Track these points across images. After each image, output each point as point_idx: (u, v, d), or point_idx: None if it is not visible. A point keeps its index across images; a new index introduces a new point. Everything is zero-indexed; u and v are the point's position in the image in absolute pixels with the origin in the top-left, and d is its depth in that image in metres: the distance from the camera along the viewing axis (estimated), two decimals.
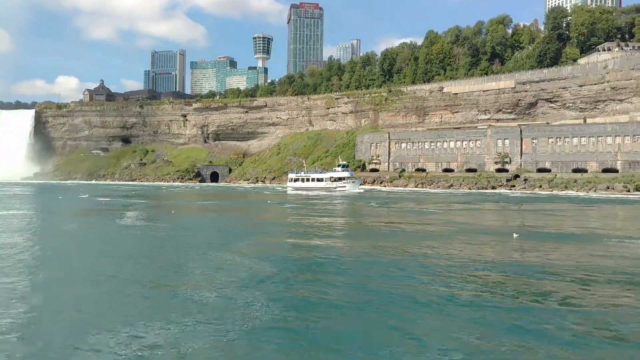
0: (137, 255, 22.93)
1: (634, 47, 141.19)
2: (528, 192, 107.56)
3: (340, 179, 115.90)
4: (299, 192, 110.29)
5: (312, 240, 28.30)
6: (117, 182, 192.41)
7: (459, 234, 30.98)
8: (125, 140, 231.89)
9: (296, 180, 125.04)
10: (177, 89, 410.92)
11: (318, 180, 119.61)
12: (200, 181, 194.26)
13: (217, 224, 38.24)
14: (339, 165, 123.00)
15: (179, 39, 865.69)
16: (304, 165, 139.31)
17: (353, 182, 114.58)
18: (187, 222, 39.59)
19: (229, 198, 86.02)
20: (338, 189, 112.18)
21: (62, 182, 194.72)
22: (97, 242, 27.87)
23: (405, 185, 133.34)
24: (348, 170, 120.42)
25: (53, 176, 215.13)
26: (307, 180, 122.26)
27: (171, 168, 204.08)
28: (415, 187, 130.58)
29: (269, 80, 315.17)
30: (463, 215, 50.43)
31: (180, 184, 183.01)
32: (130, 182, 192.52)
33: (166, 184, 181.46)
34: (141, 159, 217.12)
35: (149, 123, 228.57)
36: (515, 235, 28.78)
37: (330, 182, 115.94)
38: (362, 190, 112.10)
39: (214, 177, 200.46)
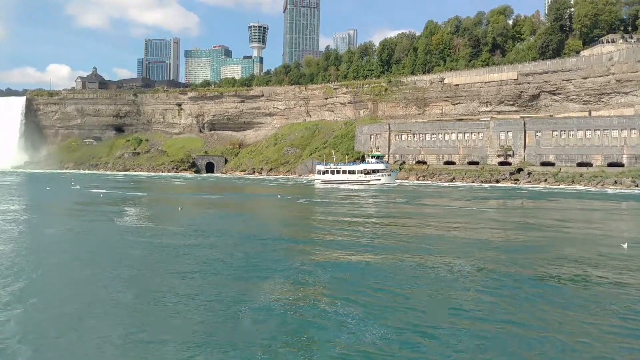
0: (146, 286, 15.44)
1: (638, 39, 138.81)
2: (544, 186, 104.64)
3: (374, 171, 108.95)
4: (329, 185, 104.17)
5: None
6: (110, 172, 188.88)
7: (563, 245, 25.02)
8: (119, 129, 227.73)
9: (325, 172, 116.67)
10: (171, 78, 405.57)
11: (350, 172, 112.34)
12: (195, 172, 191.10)
13: (235, 229, 29.24)
14: (372, 157, 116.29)
15: (172, 28, 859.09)
16: (333, 156, 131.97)
17: (389, 175, 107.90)
18: (201, 225, 30.17)
19: (234, 190, 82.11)
20: (372, 182, 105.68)
21: (54, 171, 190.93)
22: (90, 260, 19.44)
23: (406, 178, 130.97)
24: (383, 162, 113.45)
25: (44, 165, 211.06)
26: (338, 172, 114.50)
27: (166, 158, 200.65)
28: (417, 179, 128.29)
29: (264, 70, 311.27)
30: (536, 216, 43.42)
31: (175, 174, 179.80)
32: (124, 172, 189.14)
33: (162, 174, 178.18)
34: (135, 149, 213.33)
35: (143, 112, 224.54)
36: (624, 245, 23.44)
37: (363, 175, 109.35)
38: (396, 184, 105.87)
39: (210, 167, 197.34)
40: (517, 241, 26.16)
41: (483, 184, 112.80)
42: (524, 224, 34.86)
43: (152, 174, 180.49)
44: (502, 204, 58.06)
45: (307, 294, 14.43)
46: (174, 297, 13.97)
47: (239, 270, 17.56)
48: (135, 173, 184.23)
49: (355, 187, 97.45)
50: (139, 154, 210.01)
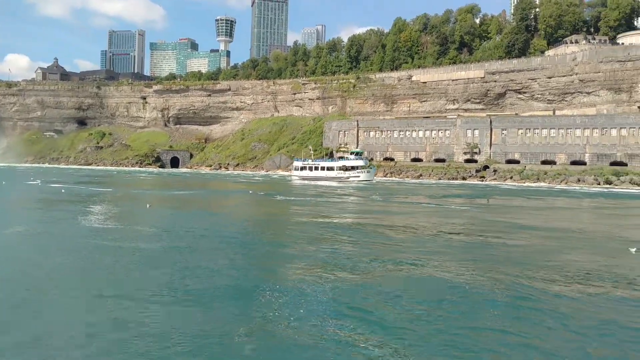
0: (118, 307, 12.68)
1: (600, 40, 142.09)
2: (513, 183, 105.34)
3: (353, 167, 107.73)
4: (306, 181, 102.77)
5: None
6: (72, 166, 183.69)
7: (569, 251, 23.39)
8: (81, 122, 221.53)
9: (303, 168, 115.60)
10: (136, 71, 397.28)
11: (328, 169, 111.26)
12: (160, 166, 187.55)
13: (210, 230, 26.70)
14: (351, 153, 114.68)
15: (136, 20, 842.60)
16: (311, 152, 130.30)
17: (368, 172, 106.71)
18: (173, 225, 28.27)
19: (203, 186, 79.73)
20: (351, 178, 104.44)
21: (12, 165, 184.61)
22: (50, 271, 16.81)
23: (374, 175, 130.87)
24: (362, 158, 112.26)
25: (2, 159, 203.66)
26: (316, 168, 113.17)
27: (129, 152, 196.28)
28: (384, 176, 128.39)
29: (231, 64, 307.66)
30: (531, 215, 43.13)
31: (139, 169, 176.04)
32: (86, 167, 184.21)
33: (125, 168, 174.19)
34: (98, 142, 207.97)
35: (107, 105, 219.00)
36: (633, 250, 21.96)
37: (342, 172, 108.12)
38: (375, 181, 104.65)
39: (175, 162, 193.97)
40: (520, 247, 24.24)
41: (451, 181, 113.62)
42: (520, 226, 33.04)
43: (116, 168, 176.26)
44: (485, 203, 57.34)
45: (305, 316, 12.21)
46: (153, 326, 11.37)
47: (222, 281, 15.47)
48: (98, 167, 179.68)
49: (334, 183, 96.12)
50: (102, 147, 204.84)
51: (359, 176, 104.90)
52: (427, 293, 14.57)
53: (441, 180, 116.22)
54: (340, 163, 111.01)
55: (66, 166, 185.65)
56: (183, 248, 20.85)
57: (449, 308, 13.10)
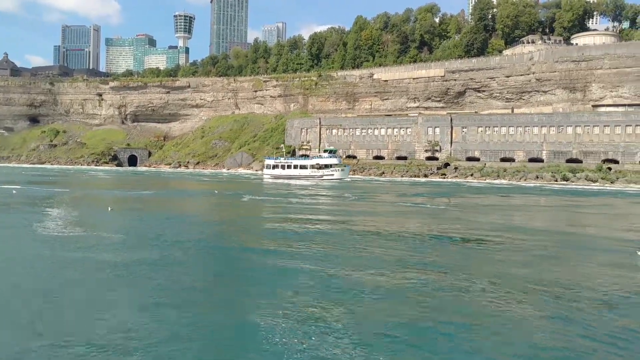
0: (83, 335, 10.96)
1: (555, 40, 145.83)
2: (483, 181, 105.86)
3: (327, 166, 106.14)
4: (279, 180, 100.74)
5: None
6: (23, 165, 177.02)
7: (571, 253, 23.12)
8: (33, 119, 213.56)
9: (275, 167, 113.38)
10: (91, 67, 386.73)
11: (302, 167, 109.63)
12: (117, 165, 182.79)
13: (180, 235, 24.89)
14: (325, 151, 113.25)
15: (90, 14, 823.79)
16: (283, 150, 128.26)
17: (342, 170, 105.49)
18: (138, 231, 26.60)
19: (165, 186, 76.63)
20: (325, 177, 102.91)
21: None
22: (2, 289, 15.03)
23: None
24: (336, 157, 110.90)
25: None
26: (289, 167, 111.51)
27: (85, 150, 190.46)
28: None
29: (190, 61, 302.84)
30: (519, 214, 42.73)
31: (95, 167, 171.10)
32: (39, 165, 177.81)
33: (81, 167, 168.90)
34: (51, 140, 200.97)
35: (61, 102, 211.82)
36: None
37: (315, 170, 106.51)
38: (349, 179, 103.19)
39: (132, 160, 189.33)
40: (523, 249, 23.20)
41: (416, 179, 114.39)
42: (511, 227, 32.18)
43: (71, 167, 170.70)
44: (461, 201, 57.40)
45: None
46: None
47: (202, 298, 14.31)
48: (52, 166, 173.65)
49: (308, 182, 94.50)
50: (55, 146, 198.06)
51: (333, 174, 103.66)
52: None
53: (405, 178, 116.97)
54: (314, 161, 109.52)
55: (18, 165, 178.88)
56: (154, 260, 18.75)
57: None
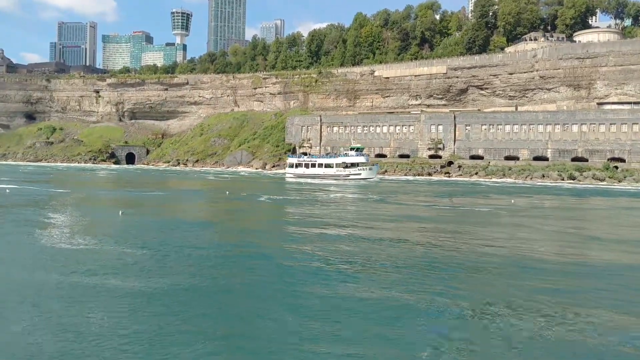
0: None
1: (558, 37, 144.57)
2: (494, 179, 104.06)
3: (353, 164, 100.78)
4: (302, 179, 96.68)
5: None
6: (20, 163, 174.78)
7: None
8: (30, 116, 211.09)
9: (298, 165, 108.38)
10: (88, 64, 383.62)
11: (327, 166, 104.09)
12: (114, 162, 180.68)
13: (220, 251, 21.00)
14: (351, 149, 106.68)
15: (87, 12, 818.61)
16: (309, 148, 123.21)
17: (370, 169, 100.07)
18: (164, 244, 21.59)
19: (172, 185, 73.00)
20: (352, 176, 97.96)
21: None
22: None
23: None
24: (363, 155, 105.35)
25: None
26: (313, 165, 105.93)
27: (82, 148, 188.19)
28: None
29: (188, 58, 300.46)
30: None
31: (93, 165, 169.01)
32: (36, 163, 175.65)
33: (79, 165, 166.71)
34: (48, 138, 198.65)
35: (57, 98, 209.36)
36: None
37: (341, 169, 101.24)
38: (379, 179, 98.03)
39: (130, 158, 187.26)
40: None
41: (419, 177, 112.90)
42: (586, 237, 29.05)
43: (68, 164, 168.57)
44: (497, 202, 55.27)
45: None
46: None
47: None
48: (49, 164, 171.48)
49: (332, 182, 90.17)
50: (52, 143, 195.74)
51: (360, 174, 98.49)
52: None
53: (409, 177, 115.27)
54: (340, 160, 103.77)
55: (14, 162, 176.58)
56: (194, 286, 14.83)
57: None
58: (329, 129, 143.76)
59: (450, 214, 41.60)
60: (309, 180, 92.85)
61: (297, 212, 39.95)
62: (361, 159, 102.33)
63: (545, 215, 41.61)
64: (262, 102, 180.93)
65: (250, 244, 23.03)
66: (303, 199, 51.60)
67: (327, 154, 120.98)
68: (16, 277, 15.76)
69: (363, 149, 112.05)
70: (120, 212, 32.60)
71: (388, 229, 29.92)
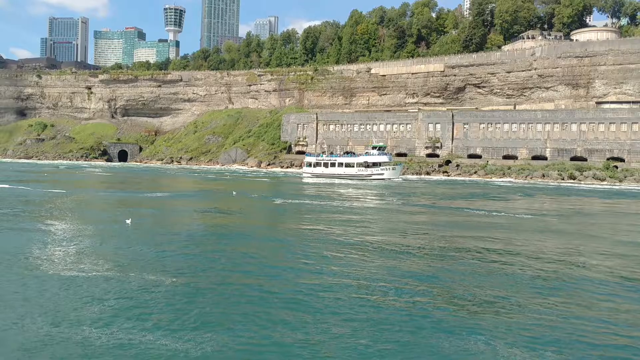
0: None
1: (555, 36, 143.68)
2: (494, 179, 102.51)
3: (375, 164, 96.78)
4: (320, 179, 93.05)
5: None
6: (10, 160, 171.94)
7: None
8: (20, 112, 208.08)
9: (316, 165, 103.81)
10: (79, 60, 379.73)
11: (347, 165, 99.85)
12: (107, 160, 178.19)
13: (248, 263, 19.34)
14: (373, 147, 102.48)
15: (78, 7, 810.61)
16: (325, 146, 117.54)
17: (393, 169, 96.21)
18: (190, 261, 19.28)
19: (174, 185, 70.31)
20: (374, 176, 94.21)
21: None
22: None
23: None
24: (386, 154, 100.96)
25: None
26: (332, 165, 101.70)
27: (74, 145, 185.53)
28: None
29: (181, 55, 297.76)
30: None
31: (84, 162, 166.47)
32: (26, 160, 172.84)
33: (70, 162, 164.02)
34: (39, 134, 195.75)
35: (48, 95, 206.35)
36: None
37: (363, 168, 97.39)
38: (401, 180, 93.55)
39: (123, 156, 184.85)
40: None
41: (420, 177, 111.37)
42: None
43: (60, 162, 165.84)
44: (531, 203, 53.14)
45: None
46: None
47: None
48: (40, 161, 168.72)
49: (353, 182, 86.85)
50: (43, 140, 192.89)
51: (382, 174, 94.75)
52: None
53: (409, 176, 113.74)
54: (362, 159, 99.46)
55: (3, 159, 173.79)
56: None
57: None
58: (325, 126, 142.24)
59: (503, 221, 36.68)
60: (328, 181, 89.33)
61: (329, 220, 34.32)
62: (384, 159, 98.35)
63: (601, 224, 36.79)
64: (257, 99, 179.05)
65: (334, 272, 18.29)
66: (322, 205, 45.43)
67: (324, 153, 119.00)
68: (6, 331, 11.30)
69: (385, 147, 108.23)
70: (128, 221, 29.19)
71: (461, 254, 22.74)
